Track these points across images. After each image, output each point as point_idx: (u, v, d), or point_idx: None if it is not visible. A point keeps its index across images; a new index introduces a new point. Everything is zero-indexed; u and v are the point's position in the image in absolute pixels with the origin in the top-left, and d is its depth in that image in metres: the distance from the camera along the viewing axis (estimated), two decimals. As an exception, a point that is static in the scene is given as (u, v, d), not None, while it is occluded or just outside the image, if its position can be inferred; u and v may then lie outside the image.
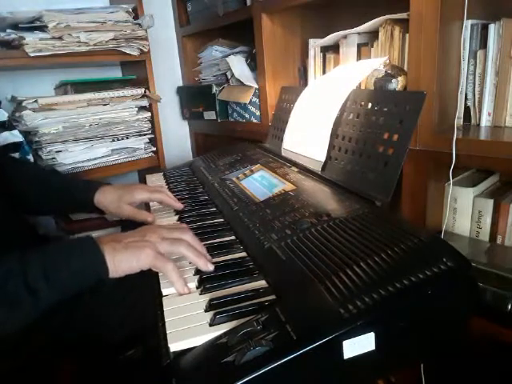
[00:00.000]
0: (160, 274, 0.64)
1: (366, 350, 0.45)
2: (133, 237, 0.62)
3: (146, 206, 0.96)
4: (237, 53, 1.47)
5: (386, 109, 0.75)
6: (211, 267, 0.61)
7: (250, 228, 0.71)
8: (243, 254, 0.67)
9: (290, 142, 1.04)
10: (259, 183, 0.92)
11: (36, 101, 1.23)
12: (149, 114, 1.47)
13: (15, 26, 1.19)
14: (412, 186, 0.90)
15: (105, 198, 0.87)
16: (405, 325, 0.48)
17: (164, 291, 0.59)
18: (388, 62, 0.97)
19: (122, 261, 0.59)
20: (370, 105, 0.80)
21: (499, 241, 0.89)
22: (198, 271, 0.62)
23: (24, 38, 1.16)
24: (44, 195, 0.92)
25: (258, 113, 1.41)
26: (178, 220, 0.84)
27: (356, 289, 0.47)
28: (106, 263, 0.58)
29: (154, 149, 1.52)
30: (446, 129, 0.87)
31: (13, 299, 0.54)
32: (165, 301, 0.57)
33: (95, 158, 1.38)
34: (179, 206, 0.89)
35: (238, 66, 1.43)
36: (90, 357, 0.81)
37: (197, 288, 0.59)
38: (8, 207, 0.84)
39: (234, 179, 0.99)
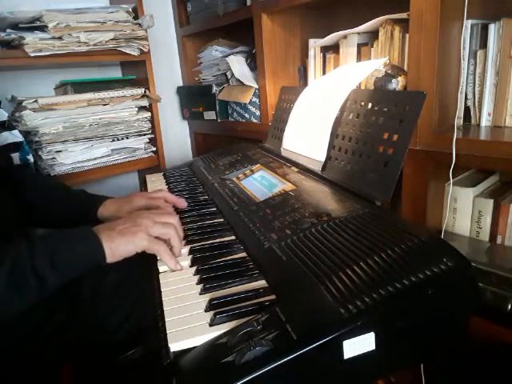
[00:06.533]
0: (160, 274, 0.64)
1: (366, 350, 0.45)
2: (124, 224, 0.67)
3: None
4: (237, 53, 1.47)
5: (385, 109, 0.75)
6: (182, 251, 0.69)
7: (250, 228, 0.71)
8: (243, 254, 0.67)
9: (289, 141, 1.04)
10: (259, 183, 0.92)
11: (36, 101, 1.23)
12: (149, 113, 1.47)
13: (15, 26, 1.19)
14: (412, 186, 0.90)
15: (106, 210, 0.91)
16: (405, 325, 0.48)
17: (164, 291, 0.59)
18: (388, 61, 0.97)
19: (118, 246, 0.64)
20: (370, 105, 0.80)
21: (499, 241, 0.89)
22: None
23: (24, 38, 1.16)
24: (51, 209, 0.95)
25: (258, 113, 1.41)
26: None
27: (356, 289, 0.47)
28: (103, 250, 0.63)
29: (154, 149, 1.52)
30: (446, 129, 0.87)
31: (21, 284, 0.57)
32: (165, 301, 0.57)
33: (95, 158, 1.38)
34: (182, 204, 0.89)
35: (238, 66, 1.43)
36: (91, 357, 0.81)
37: (194, 275, 0.59)
38: (14, 215, 0.84)
39: (234, 179, 0.99)
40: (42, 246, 0.61)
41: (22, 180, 0.94)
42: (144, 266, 0.70)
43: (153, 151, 1.52)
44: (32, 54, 1.17)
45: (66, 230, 0.65)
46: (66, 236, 0.64)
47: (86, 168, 1.37)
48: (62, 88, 1.41)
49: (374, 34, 1.06)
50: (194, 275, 0.62)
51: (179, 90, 1.82)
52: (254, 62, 1.40)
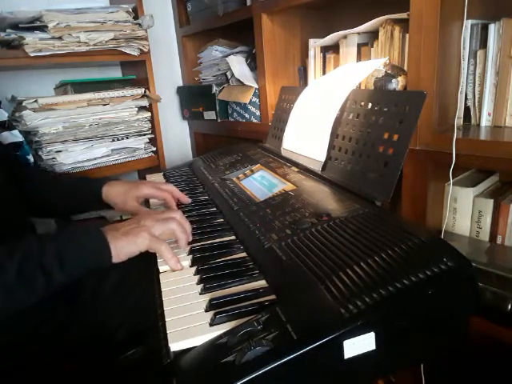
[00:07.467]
0: (161, 274, 0.65)
1: (366, 350, 0.45)
2: (129, 225, 0.68)
3: (145, 204, 0.97)
4: (237, 53, 1.47)
5: (385, 109, 0.75)
6: (187, 247, 0.70)
7: (250, 228, 0.71)
8: (243, 254, 0.67)
9: (289, 141, 1.04)
10: (259, 183, 0.92)
11: (36, 101, 1.23)
12: (149, 113, 1.47)
13: (15, 26, 1.19)
14: (412, 186, 0.90)
15: (113, 190, 0.91)
16: (405, 325, 0.48)
17: (164, 291, 0.59)
18: (388, 61, 0.97)
19: (123, 247, 0.64)
20: (370, 105, 0.80)
21: (499, 241, 0.89)
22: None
23: (24, 38, 1.16)
24: (57, 196, 0.96)
25: (258, 113, 1.41)
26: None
27: (356, 289, 0.47)
28: (110, 250, 0.63)
29: (154, 149, 1.52)
30: (446, 129, 0.88)
31: (29, 279, 0.58)
32: (165, 301, 0.57)
33: (95, 158, 1.38)
34: (187, 200, 0.91)
35: (238, 66, 1.43)
36: (91, 357, 0.81)
37: (194, 275, 0.59)
38: (13, 209, 0.84)
39: (234, 179, 0.99)
40: (51, 244, 0.62)
41: (21, 166, 0.95)
42: (144, 266, 0.70)
43: (153, 151, 1.52)
44: (32, 54, 1.17)
45: (73, 229, 0.66)
46: (73, 235, 0.65)
47: (86, 168, 1.36)
48: (62, 88, 1.41)
49: (373, 34, 1.06)
50: (194, 275, 0.62)
51: (179, 90, 1.82)
52: (254, 62, 1.40)
